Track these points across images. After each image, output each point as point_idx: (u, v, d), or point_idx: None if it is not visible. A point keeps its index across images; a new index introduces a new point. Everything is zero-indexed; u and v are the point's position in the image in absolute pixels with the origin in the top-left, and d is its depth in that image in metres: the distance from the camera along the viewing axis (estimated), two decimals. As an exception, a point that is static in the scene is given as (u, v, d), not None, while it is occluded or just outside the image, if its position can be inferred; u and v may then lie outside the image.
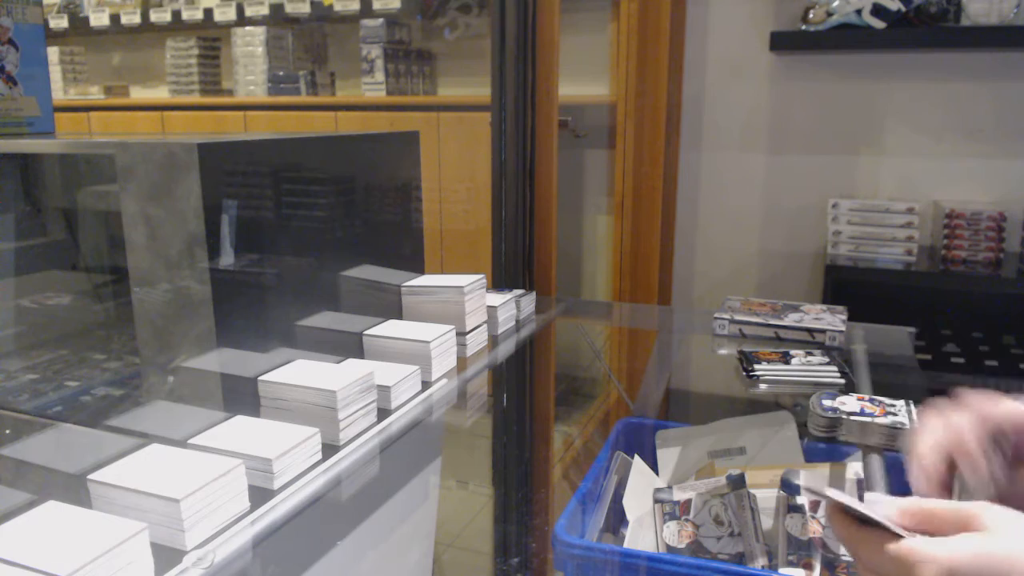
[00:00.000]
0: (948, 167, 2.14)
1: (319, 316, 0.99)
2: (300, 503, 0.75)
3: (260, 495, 0.73)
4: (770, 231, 2.36)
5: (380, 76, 2.62)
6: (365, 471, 0.83)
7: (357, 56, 2.65)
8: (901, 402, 0.88)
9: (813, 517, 0.70)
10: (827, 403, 0.96)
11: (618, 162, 2.30)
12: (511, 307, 1.33)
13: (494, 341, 1.25)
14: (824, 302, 1.53)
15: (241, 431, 0.80)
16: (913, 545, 0.41)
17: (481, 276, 1.22)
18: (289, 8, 2.75)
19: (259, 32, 2.80)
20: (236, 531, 0.68)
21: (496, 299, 1.29)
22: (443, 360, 1.07)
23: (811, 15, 2.06)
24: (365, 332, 1.07)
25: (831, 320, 1.30)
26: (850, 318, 1.34)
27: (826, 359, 1.16)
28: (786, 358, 1.17)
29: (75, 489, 0.69)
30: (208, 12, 2.87)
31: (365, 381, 0.88)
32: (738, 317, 1.32)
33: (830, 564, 0.66)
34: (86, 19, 3.09)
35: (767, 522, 0.72)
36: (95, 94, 3.11)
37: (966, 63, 2.08)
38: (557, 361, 1.36)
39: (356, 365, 0.97)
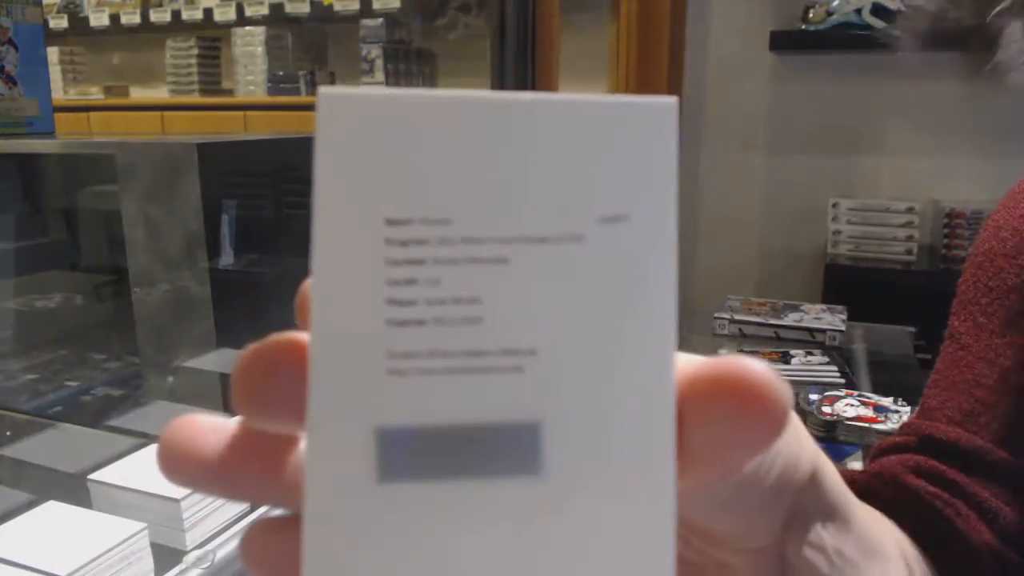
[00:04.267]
0: (948, 166, 2.14)
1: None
2: (300, 503, 0.74)
3: (260, 495, 0.73)
4: (770, 230, 2.36)
5: (380, 76, 2.62)
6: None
7: (357, 56, 2.65)
8: (899, 401, 0.88)
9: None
10: (813, 398, 0.97)
11: (618, 162, 2.30)
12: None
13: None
14: (824, 302, 1.53)
15: (241, 431, 0.80)
16: None
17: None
18: (289, 8, 2.75)
19: (259, 32, 2.79)
20: (236, 531, 0.68)
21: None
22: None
23: (811, 15, 2.05)
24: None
25: (831, 320, 1.30)
26: (850, 318, 1.34)
27: (826, 359, 1.17)
28: (786, 358, 1.17)
29: (75, 489, 0.69)
30: (208, 12, 2.87)
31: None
32: (738, 317, 1.32)
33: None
34: (86, 19, 3.09)
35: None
36: (95, 94, 3.11)
37: (966, 62, 2.07)
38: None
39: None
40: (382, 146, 0.14)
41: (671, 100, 0.15)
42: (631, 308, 0.15)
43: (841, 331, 1.27)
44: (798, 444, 0.21)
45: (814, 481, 0.22)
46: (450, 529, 0.15)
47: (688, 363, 0.16)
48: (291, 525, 0.17)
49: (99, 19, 3.05)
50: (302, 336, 0.16)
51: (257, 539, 0.17)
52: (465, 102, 0.14)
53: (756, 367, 0.15)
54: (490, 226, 0.14)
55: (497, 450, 0.15)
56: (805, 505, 0.22)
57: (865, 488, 0.36)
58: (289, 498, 0.17)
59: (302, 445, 0.17)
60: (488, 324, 0.15)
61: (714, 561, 0.23)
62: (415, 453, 0.15)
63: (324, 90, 0.14)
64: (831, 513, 0.23)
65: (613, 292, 0.15)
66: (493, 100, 0.15)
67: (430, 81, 2.77)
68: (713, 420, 0.15)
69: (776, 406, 0.15)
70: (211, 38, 3.01)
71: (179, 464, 0.16)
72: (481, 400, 0.15)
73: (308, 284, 0.15)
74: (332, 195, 0.14)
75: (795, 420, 0.20)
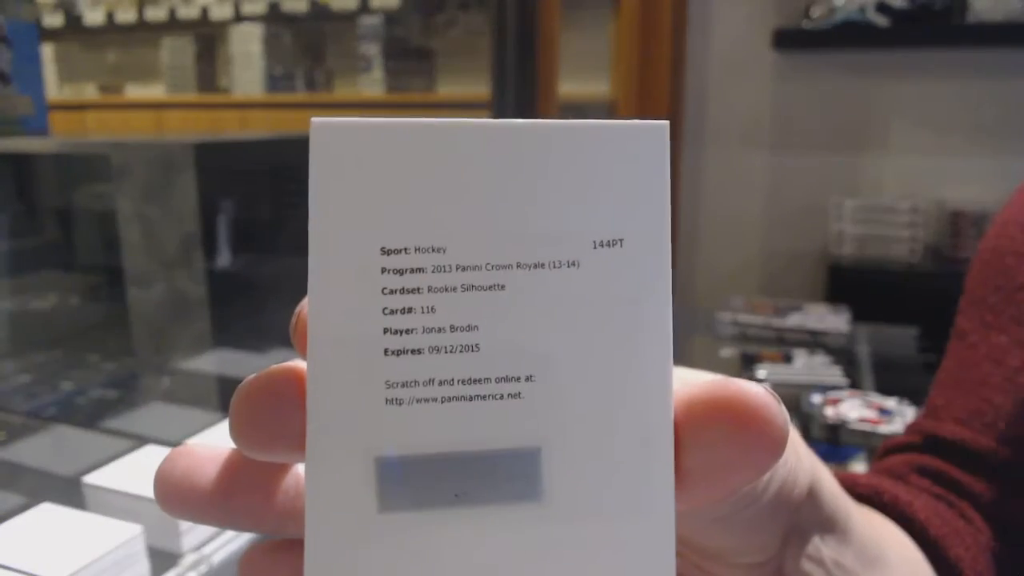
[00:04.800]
0: (953, 166, 2.14)
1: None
2: (298, 507, 0.73)
3: (258, 498, 0.72)
4: (773, 230, 2.36)
5: (378, 74, 2.61)
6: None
7: (355, 54, 2.64)
8: (903, 402, 0.88)
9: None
10: (816, 400, 0.96)
11: (618, 161, 2.29)
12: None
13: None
14: (827, 302, 1.52)
15: (238, 433, 0.79)
16: None
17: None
18: (286, 6, 2.74)
19: (256, 30, 2.78)
20: (233, 534, 0.68)
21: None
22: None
23: (815, 12, 2.05)
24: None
25: (834, 320, 1.29)
26: (854, 318, 1.34)
27: (829, 359, 1.16)
28: (788, 359, 1.16)
29: (70, 491, 0.68)
30: (205, 10, 2.86)
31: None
32: (740, 317, 1.31)
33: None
34: (81, 16, 3.08)
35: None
36: (90, 92, 3.10)
37: (971, 60, 2.07)
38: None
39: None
40: (376, 175, 0.14)
41: (663, 123, 0.15)
42: (627, 332, 0.15)
43: (844, 331, 1.26)
44: (796, 460, 0.21)
45: (812, 495, 0.22)
46: (452, 558, 0.15)
47: (685, 385, 0.16)
48: (288, 547, 0.17)
49: (94, 17, 3.04)
50: (300, 366, 0.16)
51: (255, 561, 0.17)
52: (458, 129, 0.15)
53: (753, 389, 0.15)
54: (485, 253, 0.15)
55: (497, 477, 0.15)
56: (803, 519, 0.22)
57: (868, 490, 0.36)
58: (287, 524, 0.17)
59: (298, 470, 0.18)
60: (485, 351, 0.15)
61: None
62: (415, 482, 0.15)
63: (317, 120, 0.14)
64: (830, 525, 0.23)
65: (609, 316, 0.15)
66: (485, 127, 0.15)
67: (429, 78, 2.76)
68: (710, 443, 0.15)
69: (774, 429, 0.15)
70: (208, 36, 3.00)
71: (177, 500, 0.17)
72: (480, 428, 0.15)
73: (304, 310, 0.15)
74: (327, 224, 0.14)
75: (794, 434, 0.20)
